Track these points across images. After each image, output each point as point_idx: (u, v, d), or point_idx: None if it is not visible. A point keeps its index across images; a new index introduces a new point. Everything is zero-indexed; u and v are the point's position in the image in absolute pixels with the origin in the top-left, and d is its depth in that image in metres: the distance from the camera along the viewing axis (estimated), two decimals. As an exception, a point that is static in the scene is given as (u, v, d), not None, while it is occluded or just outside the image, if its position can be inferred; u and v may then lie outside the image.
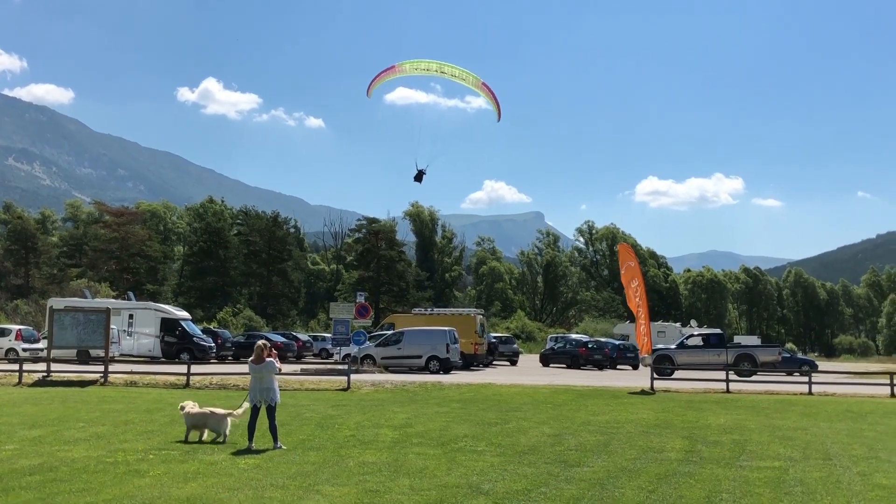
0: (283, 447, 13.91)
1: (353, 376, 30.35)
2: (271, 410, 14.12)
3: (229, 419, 15.03)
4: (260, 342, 14.60)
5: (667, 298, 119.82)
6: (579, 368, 50.17)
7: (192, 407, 15.22)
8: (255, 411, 14.23)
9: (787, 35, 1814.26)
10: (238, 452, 13.47)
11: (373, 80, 29.57)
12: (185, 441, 14.74)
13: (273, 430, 14.07)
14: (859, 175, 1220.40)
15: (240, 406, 15.27)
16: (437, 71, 28.45)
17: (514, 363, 54.23)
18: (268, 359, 14.16)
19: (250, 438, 14.02)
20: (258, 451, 13.50)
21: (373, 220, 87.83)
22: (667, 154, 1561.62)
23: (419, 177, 30.51)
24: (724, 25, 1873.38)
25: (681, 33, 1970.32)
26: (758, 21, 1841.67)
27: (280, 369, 14.55)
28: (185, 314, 48.07)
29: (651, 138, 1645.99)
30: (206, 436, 14.97)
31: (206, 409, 15.25)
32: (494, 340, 52.93)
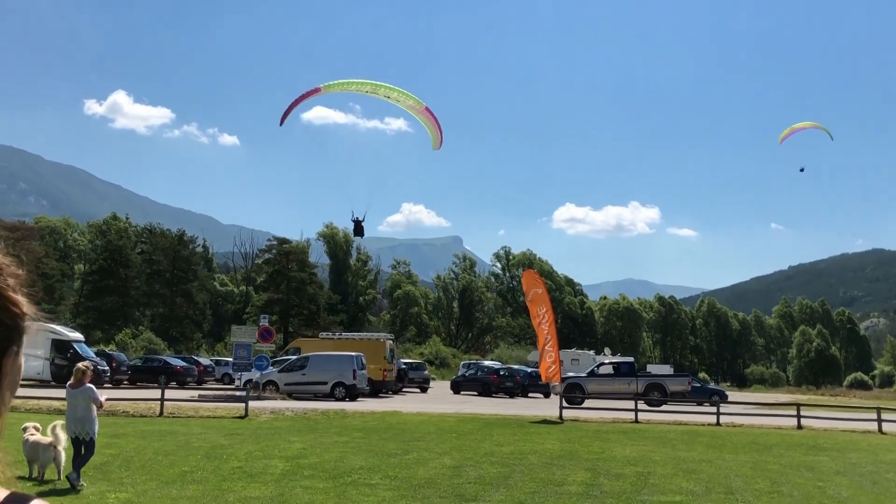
0: (81, 486, 12.31)
1: (253, 403, 29.51)
2: (89, 445, 12.65)
3: (58, 449, 13.01)
4: (81, 364, 12.91)
5: (582, 326, 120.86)
6: (490, 396, 50.07)
7: (32, 433, 13.18)
8: (76, 443, 12.69)
9: (703, 63, 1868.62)
10: (62, 491, 12.11)
11: (291, 106, 28.19)
12: (29, 477, 12.96)
13: (81, 463, 12.48)
14: (773, 207, 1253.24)
15: (52, 435, 13.10)
16: (370, 91, 26.81)
17: (424, 390, 53.90)
18: (87, 384, 12.58)
19: (76, 476, 12.45)
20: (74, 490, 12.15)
21: (284, 241, 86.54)
22: (584, 181, 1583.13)
23: (358, 229, 29.72)
24: (641, 53, 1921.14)
25: (599, 59, 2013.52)
26: (674, 49, 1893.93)
27: (102, 403, 12.67)
28: (78, 335, 46.43)
29: (569, 164, 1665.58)
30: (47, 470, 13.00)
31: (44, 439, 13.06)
32: (405, 366, 52.61)
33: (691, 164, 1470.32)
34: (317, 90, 26.66)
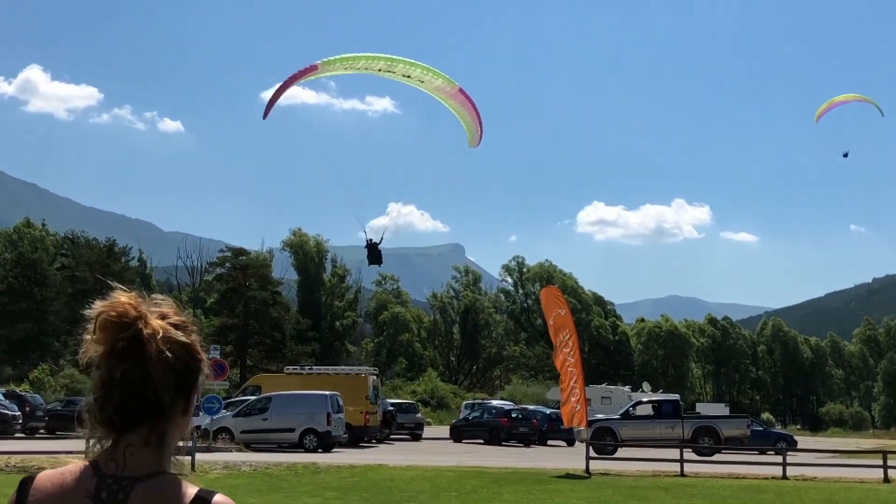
0: None
1: (201, 456, 29.60)
2: None
3: None
4: None
5: (615, 355, 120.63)
6: (500, 444, 50.10)
7: None
8: None
9: (762, 25, 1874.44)
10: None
11: (279, 92, 26.64)
12: None
13: None
14: (853, 206, 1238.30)
15: None
16: (385, 70, 25.47)
17: (417, 437, 54.22)
18: None
19: None
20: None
21: (240, 252, 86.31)
22: (616, 173, 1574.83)
23: (374, 255, 29.59)
24: (686, 11, 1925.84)
25: (633, 18, 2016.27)
26: (739, 13, 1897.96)
27: None
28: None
29: (596, 153, 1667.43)
30: None
31: None
32: (392, 408, 53.00)
33: (751, 153, 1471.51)
34: (313, 69, 25.62)
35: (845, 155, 48.51)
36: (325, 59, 25.61)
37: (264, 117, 27.76)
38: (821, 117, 45.16)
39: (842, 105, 45.86)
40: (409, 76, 25.75)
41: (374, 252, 29.49)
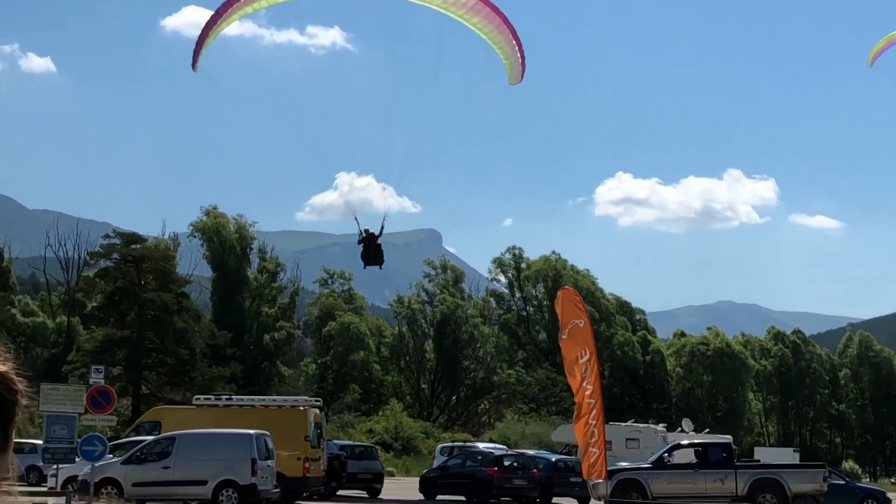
0: None
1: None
2: None
3: None
4: None
5: (645, 382, 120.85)
6: (487, 503, 49.98)
7: None
8: None
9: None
10: None
11: (210, 25, 26.83)
12: None
13: None
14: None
15: None
16: None
17: (374, 493, 54.39)
18: None
19: None
20: None
21: (133, 238, 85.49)
22: (647, 137, 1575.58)
23: (373, 252, 29.47)
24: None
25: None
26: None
27: None
28: None
29: (620, 110, 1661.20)
30: None
31: None
32: (342, 453, 53.38)
33: (829, 113, 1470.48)
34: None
35: None
36: None
37: (194, 66, 27.63)
38: (875, 59, 45.47)
39: None
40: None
41: (371, 249, 29.30)
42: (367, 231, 29.10)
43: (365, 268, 31.03)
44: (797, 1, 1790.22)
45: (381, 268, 31.26)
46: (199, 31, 27.95)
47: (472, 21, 25.87)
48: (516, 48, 26.68)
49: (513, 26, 26.53)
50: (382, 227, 29.93)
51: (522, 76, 27.25)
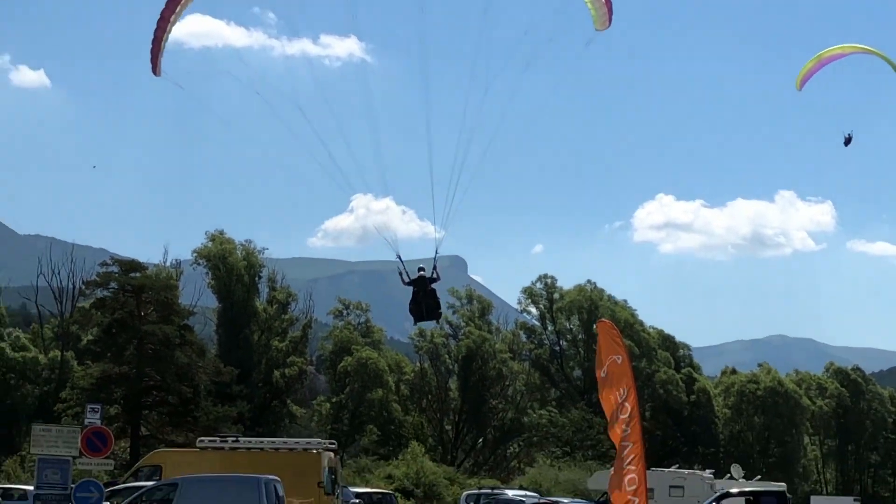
0: None
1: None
2: None
3: None
4: None
5: (689, 423, 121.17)
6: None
7: None
8: None
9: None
10: None
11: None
12: None
13: None
14: None
15: None
16: None
17: (394, 543, 54.24)
18: None
19: None
20: None
21: (132, 266, 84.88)
22: (691, 157, 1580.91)
23: (426, 303, 26.26)
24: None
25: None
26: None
27: None
28: None
29: (662, 129, 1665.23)
30: None
31: None
32: (359, 500, 55.61)
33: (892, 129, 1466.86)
34: None
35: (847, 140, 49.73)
36: None
37: (154, 70, 26.26)
38: (804, 83, 47.55)
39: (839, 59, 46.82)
40: None
41: (424, 298, 25.88)
42: (420, 271, 25.72)
43: (416, 324, 28.07)
44: (856, 14, 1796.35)
45: (437, 322, 28.53)
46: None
47: None
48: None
49: None
50: (435, 267, 27.11)
51: (610, 21, 25.47)
